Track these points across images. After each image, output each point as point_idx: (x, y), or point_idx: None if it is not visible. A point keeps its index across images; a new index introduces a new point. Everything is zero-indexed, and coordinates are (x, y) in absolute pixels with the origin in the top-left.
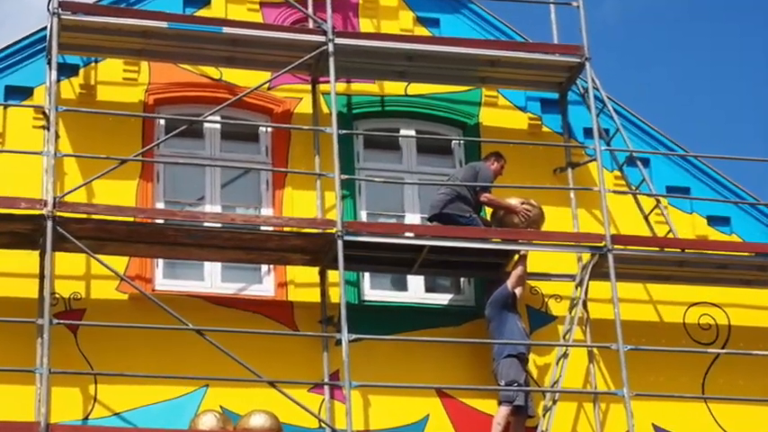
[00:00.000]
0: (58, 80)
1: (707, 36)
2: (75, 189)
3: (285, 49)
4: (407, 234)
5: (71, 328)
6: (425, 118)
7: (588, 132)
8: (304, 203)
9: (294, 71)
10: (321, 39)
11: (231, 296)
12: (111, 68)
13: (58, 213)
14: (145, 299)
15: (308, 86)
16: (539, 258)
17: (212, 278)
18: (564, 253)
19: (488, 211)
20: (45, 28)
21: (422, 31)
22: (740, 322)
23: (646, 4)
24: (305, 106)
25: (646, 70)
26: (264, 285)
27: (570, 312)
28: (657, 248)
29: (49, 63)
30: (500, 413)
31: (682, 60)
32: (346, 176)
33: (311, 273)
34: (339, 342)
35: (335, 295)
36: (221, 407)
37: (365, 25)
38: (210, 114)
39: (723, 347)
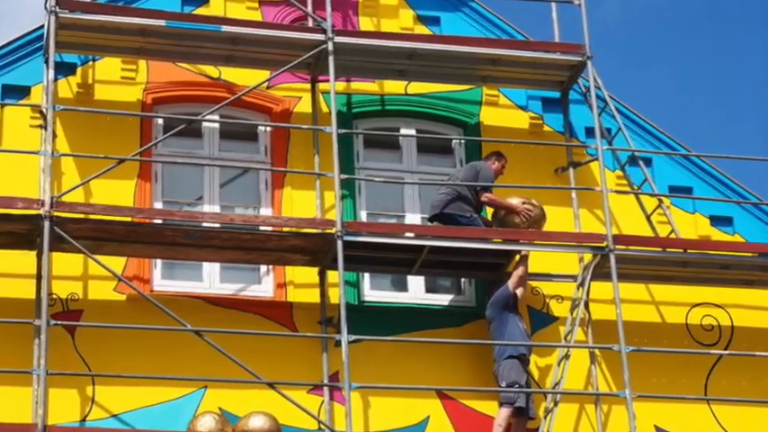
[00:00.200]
0: (56, 79)
1: (708, 35)
2: (72, 189)
3: (284, 48)
4: (408, 234)
5: (68, 329)
6: (426, 117)
7: (590, 132)
8: (303, 203)
9: (293, 70)
10: (321, 37)
11: (230, 297)
12: (108, 67)
13: (56, 213)
14: (143, 300)
15: (308, 85)
16: (540, 259)
17: (211, 279)
18: (565, 253)
19: (489, 211)
20: (42, 26)
21: (422, 29)
22: (743, 323)
23: (647, 3)
24: (304, 105)
25: (647, 69)
26: (263, 286)
27: (572, 313)
28: (660, 249)
29: (47, 62)
30: (501, 415)
31: (683, 59)
32: (346, 176)
33: (310, 273)
34: (339, 343)
35: (335, 296)
36: (220, 408)
37: (365, 23)
38: (209, 114)
39: (726, 348)
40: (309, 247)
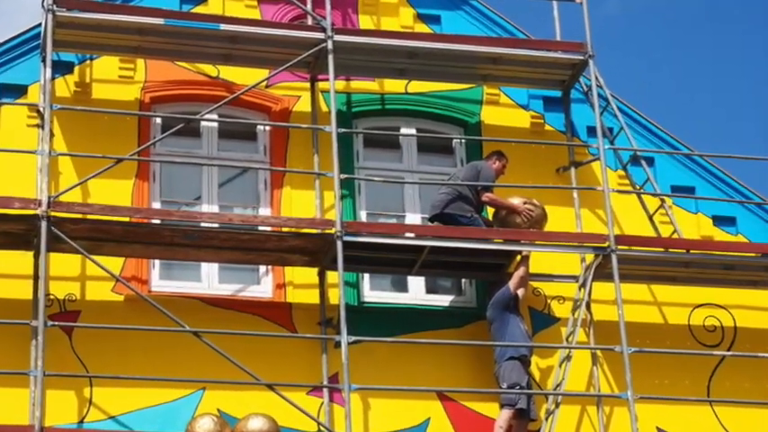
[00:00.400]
0: (53, 78)
1: (710, 34)
2: (70, 189)
3: (283, 47)
4: (408, 234)
5: (66, 330)
6: (426, 116)
7: (591, 131)
8: (303, 203)
9: (293, 69)
10: (320, 36)
11: (229, 297)
12: (106, 66)
13: (53, 213)
14: (141, 300)
15: (307, 84)
16: (541, 259)
17: (209, 279)
18: (567, 254)
19: (490, 211)
20: (39, 25)
21: (422, 28)
22: (746, 324)
23: (648, 2)
24: (304, 104)
25: (649, 68)
26: (262, 286)
27: (573, 314)
28: (662, 249)
29: (44, 60)
30: (502, 416)
31: (685, 58)
32: (346, 176)
33: (310, 274)
34: (338, 344)
35: (335, 296)
36: (219, 410)
37: (365, 22)
38: (207, 113)
39: (729, 349)
40: (309, 247)
